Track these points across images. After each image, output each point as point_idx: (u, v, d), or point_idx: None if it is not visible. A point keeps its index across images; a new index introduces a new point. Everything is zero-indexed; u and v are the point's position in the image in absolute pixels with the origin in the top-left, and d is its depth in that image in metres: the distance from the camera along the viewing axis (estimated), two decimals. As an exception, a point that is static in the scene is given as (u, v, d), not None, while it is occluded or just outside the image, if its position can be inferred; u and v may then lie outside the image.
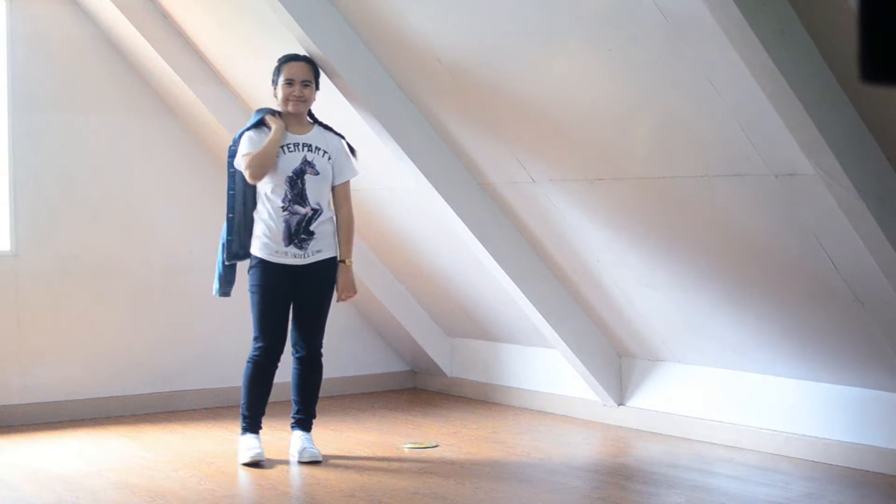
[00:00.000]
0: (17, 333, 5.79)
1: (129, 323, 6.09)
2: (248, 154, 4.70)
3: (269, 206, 4.72)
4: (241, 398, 4.88)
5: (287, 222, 4.70)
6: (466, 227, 5.28)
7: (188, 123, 6.22)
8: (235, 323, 6.05)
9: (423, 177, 5.18)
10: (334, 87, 5.04)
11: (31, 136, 5.84)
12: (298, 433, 4.93)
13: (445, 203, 5.24)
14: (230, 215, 4.83)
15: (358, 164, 4.96)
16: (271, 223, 4.71)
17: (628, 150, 4.49)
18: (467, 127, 5.03)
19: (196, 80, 5.86)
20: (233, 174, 4.83)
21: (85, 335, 5.97)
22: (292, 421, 4.96)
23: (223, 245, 4.87)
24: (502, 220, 5.38)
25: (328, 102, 5.27)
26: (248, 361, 4.84)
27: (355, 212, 6.21)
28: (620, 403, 5.65)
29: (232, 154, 4.82)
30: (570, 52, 4.23)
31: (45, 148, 5.88)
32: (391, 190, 5.81)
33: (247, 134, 4.78)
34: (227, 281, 4.93)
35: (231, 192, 4.83)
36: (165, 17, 5.75)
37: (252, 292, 4.79)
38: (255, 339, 4.80)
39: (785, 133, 3.71)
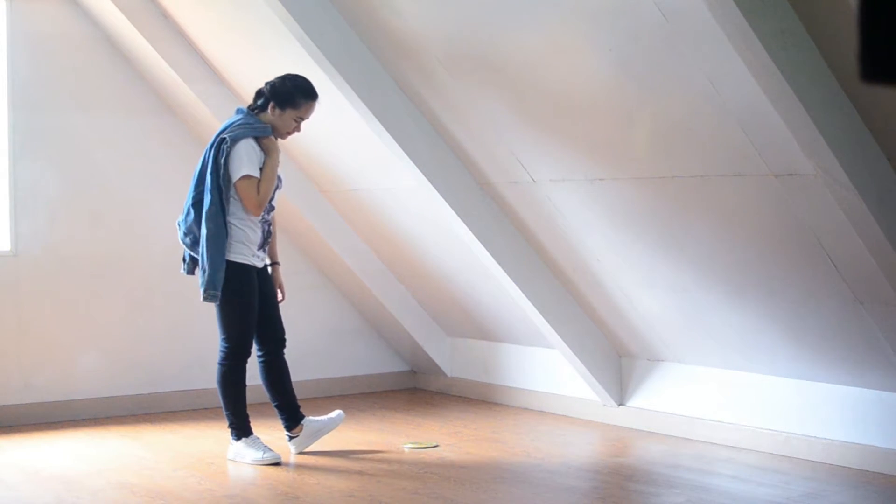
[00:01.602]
0: (17, 333, 5.79)
1: (129, 323, 6.09)
2: (251, 179, 4.62)
3: (248, 214, 4.71)
4: (226, 405, 4.85)
5: (263, 229, 4.78)
6: (466, 227, 5.28)
7: (188, 123, 6.22)
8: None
9: (423, 177, 5.18)
10: (334, 87, 5.04)
11: (31, 136, 5.84)
12: (306, 419, 5.02)
13: (445, 203, 5.24)
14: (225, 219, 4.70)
15: None
16: (253, 230, 4.73)
17: (628, 150, 4.49)
18: (467, 127, 5.03)
19: (196, 80, 5.86)
20: (221, 174, 4.65)
21: (85, 335, 5.97)
22: (288, 424, 4.99)
23: (216, 242, 4.66)
24: (502, 220, 5.38)
25: (328, 103, 5.27)
26: (230, 366, 4.79)
27: (356, 212, 6.25)
28: (620, 403, 5.65)
29: (226, 152, 4.64)
30: (570, 52, 4.23)
31: (45, 148, 5.88)
32: (391, 190, 5.81)
33: (247, 142, 4.65)
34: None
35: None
36: (165, 17, 5.75)
37: (238, 296, 4.73)
38: (238, 345, 4.77)
39: (785, 133, 3.71)
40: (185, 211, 4.75)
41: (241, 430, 4.85)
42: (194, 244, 4.74)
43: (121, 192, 6.09)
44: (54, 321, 5.89)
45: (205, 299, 4.68)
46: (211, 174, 4.67)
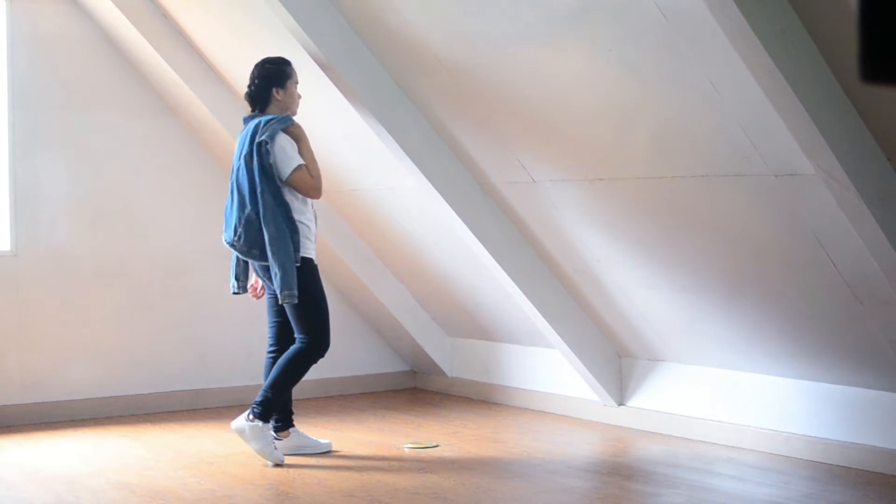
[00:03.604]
0: (18, 333, 5.79)
1: (130, 323, 6.09)
2: (302, 167, 4.65)
3: (308, 207, 4.79)
4: (273, 384, 4.73)
5: (314, 219, 4.87)
6: (466, 227, 5.28)
7: (188, 123, 6.22)
8: (236, 323, 6.05)
9: (423, 177, 5.18)
10: (335, 87, 5.04)
11: (31, 136, 5.84)
12: (294, 429, 5.01)
13: (445, 203, 5.24)
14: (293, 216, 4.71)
15: None
16: (313, 220, 4.83)
17: (628, 150, 4.49)
18: (467, 127, 5.03)
19: (196, 80, 5.86)
20: (271, 175, 4.66)
21: (85, 335, 5.97)
22: (276, 426, 4.96)
23: (280, 243, 4.65)
24: (502, 220, 5.38)
25: (328, 103, 5.27)
26: (305, 360, 4.77)
27: (355, 211, 6.25)
28: (620, 403, 5.65)
29: (266, 152, 4.63)
30: (570, 52, 4.23)
31: (45, 148, 5.88)
32: (391, 190, 5.81)
33: (281, 136, 4.69)
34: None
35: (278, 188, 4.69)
36: (165, 16, 5.75)
37: (314, 293, 4.75)
38: (321, 340, 4.78)
39: (785, 133, 3.71)
40: (235, 227, 4.69)
41: (266, 413, 4.74)
42: (263, 254, 4.67)
43: (121, 192, 6.09)
44: (54, 321, 5.89)
45: (283, 301, 4.64)
46: (260, 180, 4.63)
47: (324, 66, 4.94)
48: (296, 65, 4.99)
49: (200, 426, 5.71)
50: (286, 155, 4.66)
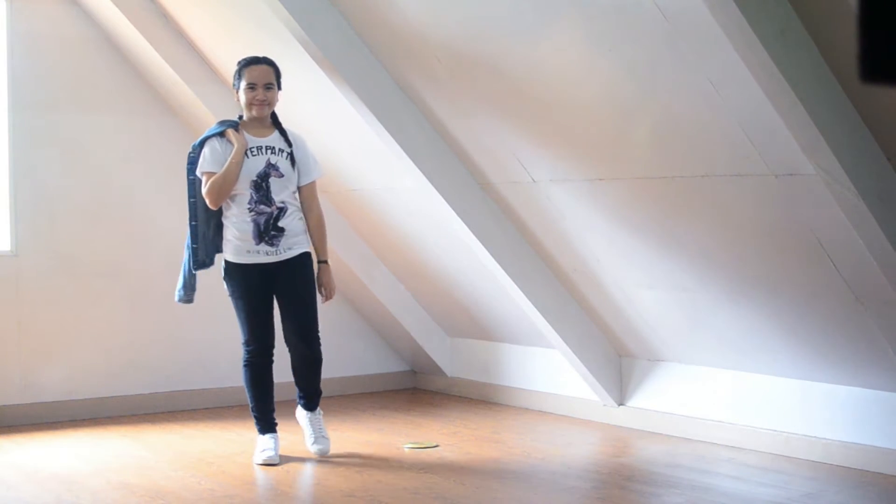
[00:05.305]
0: (18, 333, 5.79)
1: (129, 323, 6.09)
2: (208, 173, 4.68)
3: (235, 208, 4.72)
4: (248, 402, 4.92)
5: (255, 222, 4.71)
6: (466, 227, 5.28)
7: (188, 123, 6.22)
8: (235, 323, 6.04)
9: (423, 177, 5.18)
10: (334, 87, 5.04)
11: (31, 136, 5.84)
12: (304, 413, 5.04)
13: (445, 203, 5.24)
14: (193, 223, 4.80)
15: (321, 165, 4.98)
16: (241, 224, 4.71)
17: (628, 150, 4.49)
18: (467, 127, 5.03)
19: (196, 80, 5.86)
20: (192, 181, 4.77)
21: (85, 335, 5.97)
22: (301, 402, 5.04)
23: (189, 252, 4.85)
24: (502, 220, 5.38)
25: (328, 102, 5.28)
26: (244, 366, 4.87)
27: (355, 211, 6.25)
28: (620, 403, 5.65)
29: (192, 161, 4.76)
30: (570, 52, 4.23)
31: (45, 148, 5.88)
32: (391, 190, 5.81)
33: (209, 142, 4.73)
34: (191, 287, 4.92)
35: (192, 200, 4.79)
36: (165, 16, 5.75)
37: (233, 297, 4.81)
38: (245, 342, 4.84)
39: (785, 133, 3.71)
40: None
41: (260, 427, 4.89)
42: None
43: (121, 192, 6.09)
44: (54, 321, 5.89)
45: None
46: (189, 187, 4.82)
47: (323, 66, 4.94)
48: (295, 64, 4.99)
49: (200, 426, 5.71)
50: (199, 162, 4.74)
